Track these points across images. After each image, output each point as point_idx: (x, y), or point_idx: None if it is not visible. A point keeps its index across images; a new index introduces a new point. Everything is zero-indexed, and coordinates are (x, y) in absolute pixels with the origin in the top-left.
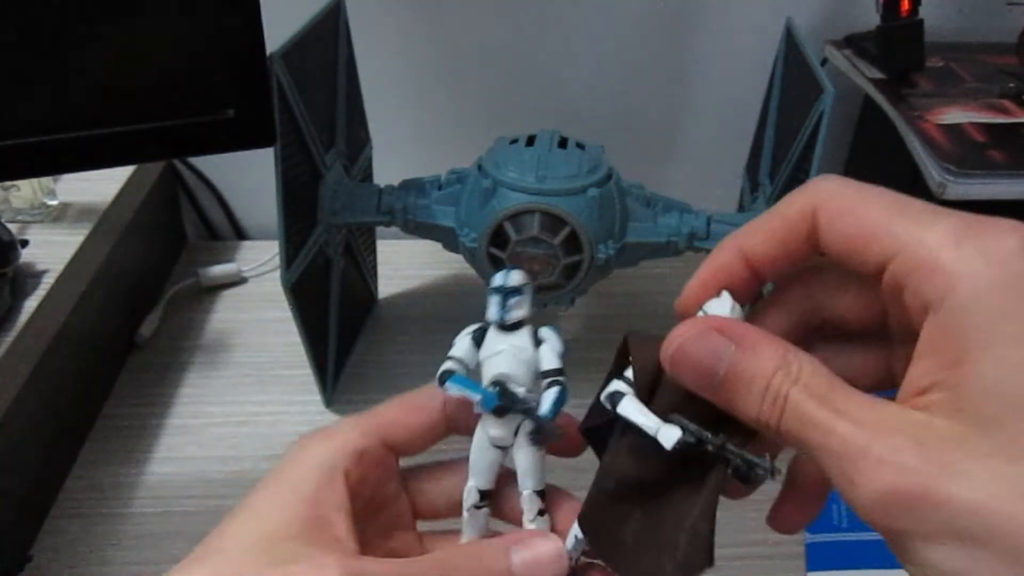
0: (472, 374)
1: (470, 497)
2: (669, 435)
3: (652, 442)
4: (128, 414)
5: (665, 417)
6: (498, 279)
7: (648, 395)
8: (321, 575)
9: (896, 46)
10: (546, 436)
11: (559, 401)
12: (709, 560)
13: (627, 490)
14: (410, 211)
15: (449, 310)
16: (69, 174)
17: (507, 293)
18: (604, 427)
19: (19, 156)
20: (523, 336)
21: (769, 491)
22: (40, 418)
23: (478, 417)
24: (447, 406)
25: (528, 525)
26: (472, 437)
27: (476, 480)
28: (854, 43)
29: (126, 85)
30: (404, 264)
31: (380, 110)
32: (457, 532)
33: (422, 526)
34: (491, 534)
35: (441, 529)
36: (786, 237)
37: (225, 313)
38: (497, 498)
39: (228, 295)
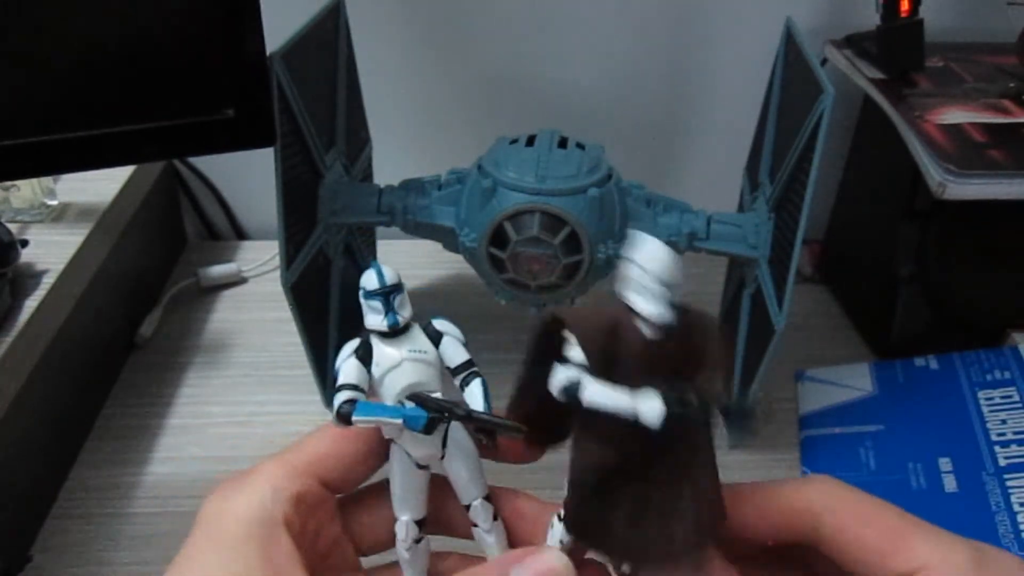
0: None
1: (408, 533)
2: (653, 412)
3: (627, 423)
4: (128, 414)
5: (634, 391)
6: (372, 280)
7: (603, 369)
8: None
9: (896, 46)
10: (496, 434)
11: (488, 392)
12: (722, 512)
13: (610, 480)
14: (410, 211)
15: (449, 310)
16: (69, 174)
17: (389, 292)
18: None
19: (19, 156)
20: (417, 337)
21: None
22: (40, 418)
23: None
24: (384, 428)
25: (487, 537)
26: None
27: (409, 512)
28: (854, 43)
29: (126, 85)
30: (404, 264)
31: (380, 110)
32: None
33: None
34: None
35: (385, 562)
36: (781, 527)
37: (225, 313)
38: (431, 520)
39: (228, 295)
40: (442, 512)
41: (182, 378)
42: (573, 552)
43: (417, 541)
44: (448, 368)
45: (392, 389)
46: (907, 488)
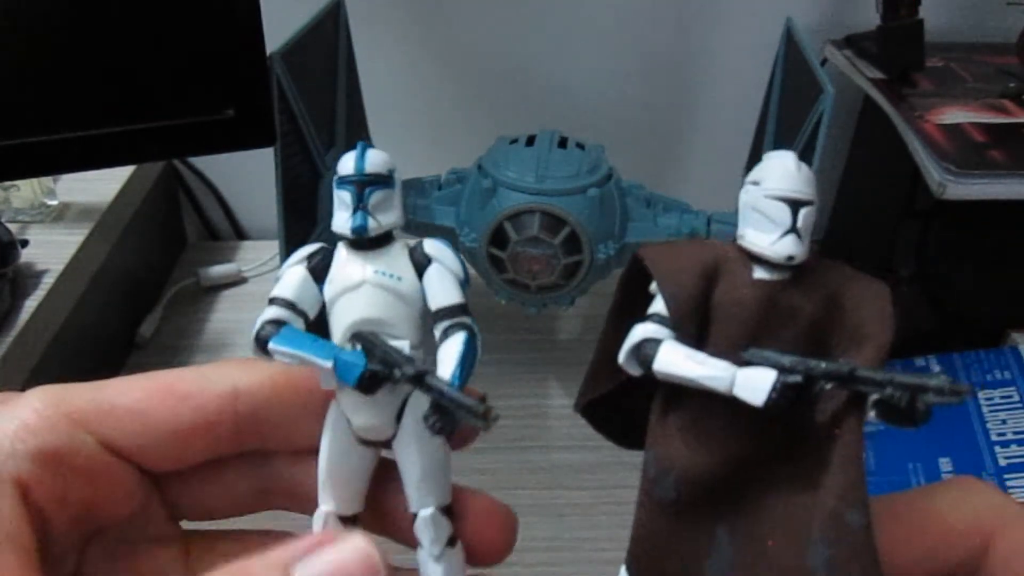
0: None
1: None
2: (758, 382)
3: (724, 404)
4: None
5: (739, 356)
6: (347, 163)
7: (697, 331)
8: None
9: (896, 46)
10: (455, 419)
11: (469, 355)
12: (872, 558)
13: (697, 496)
14: (410, 211)
15: None
16: (69, 174)
17: (364, 183)
18: (619, 395)
19: (19, 156)
20: (395, 256)
21: None
22: None
23: (326, 399)
24: (240, 400)
25: (431, 567)
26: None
27: (334, 502)
28: (854, 43)
29: (126, 85)
30: None
31: (380, 110)
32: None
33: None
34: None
35: (223, 529)
36: (936, 557)
37: (225, 313)
38: (369, 515)
39: (228, 295)
40: (383, 504)
41: None
42: None
43: None
44: (431, 311)
45: (340, 320)
46: (907, 488)
